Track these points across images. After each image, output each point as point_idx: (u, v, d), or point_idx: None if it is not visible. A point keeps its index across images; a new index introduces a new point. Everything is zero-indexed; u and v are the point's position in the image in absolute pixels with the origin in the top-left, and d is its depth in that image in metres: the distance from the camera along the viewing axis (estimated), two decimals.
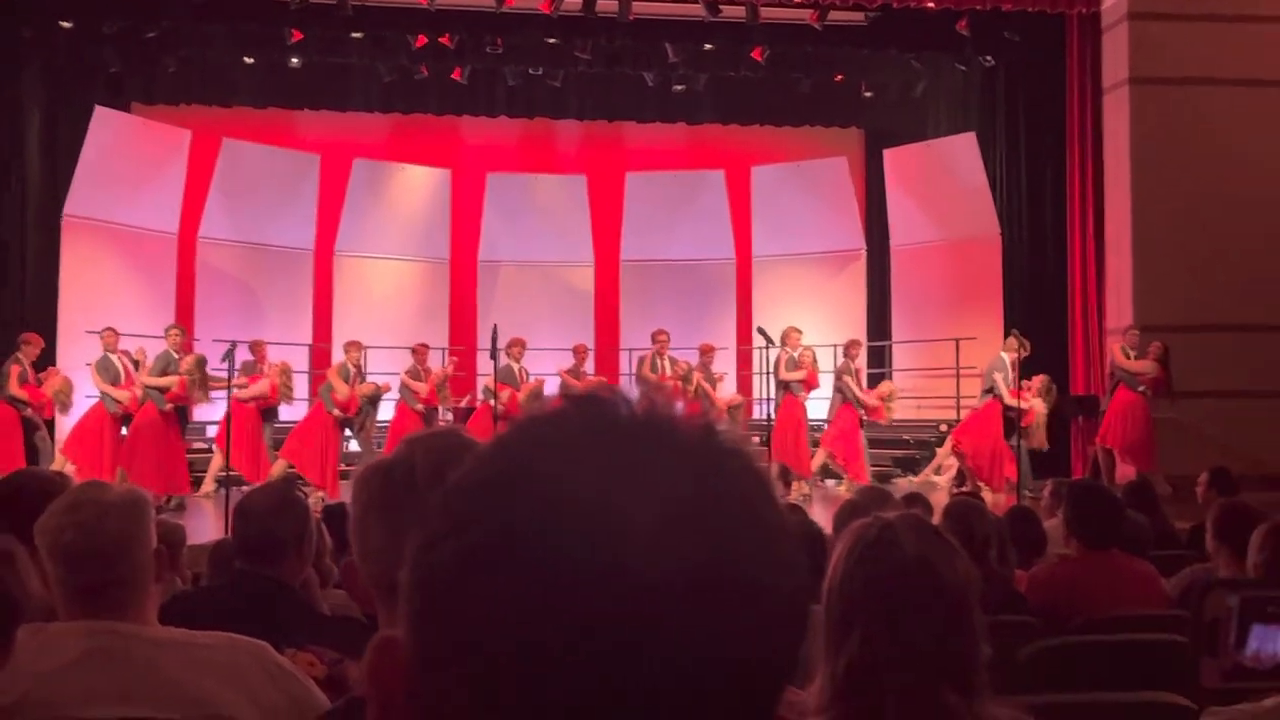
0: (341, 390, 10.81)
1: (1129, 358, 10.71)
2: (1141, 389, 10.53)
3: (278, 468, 10.55)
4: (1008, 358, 10.81)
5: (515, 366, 11.79)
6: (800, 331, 11.56)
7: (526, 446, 0.54)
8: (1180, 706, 2.01)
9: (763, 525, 0.53)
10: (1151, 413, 10.63)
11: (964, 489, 10.07)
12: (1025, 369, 10.70)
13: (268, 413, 10.89)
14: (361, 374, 11.32)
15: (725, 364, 13.35)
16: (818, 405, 12.02)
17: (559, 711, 0.48)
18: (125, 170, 12.51)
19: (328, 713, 1.44)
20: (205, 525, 8.72)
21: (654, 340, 11.94)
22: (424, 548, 0.53)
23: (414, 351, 11.87)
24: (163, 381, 10.03)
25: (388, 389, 11.47)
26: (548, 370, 12.34)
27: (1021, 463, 10.46)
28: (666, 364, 11.86)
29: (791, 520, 0.57)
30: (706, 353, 12.04)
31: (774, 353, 11.01)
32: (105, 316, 10.91)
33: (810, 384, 11.31)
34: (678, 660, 0.49)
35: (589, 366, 12.94)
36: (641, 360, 12.19)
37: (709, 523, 0.51)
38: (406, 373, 11.69)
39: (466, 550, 0.51)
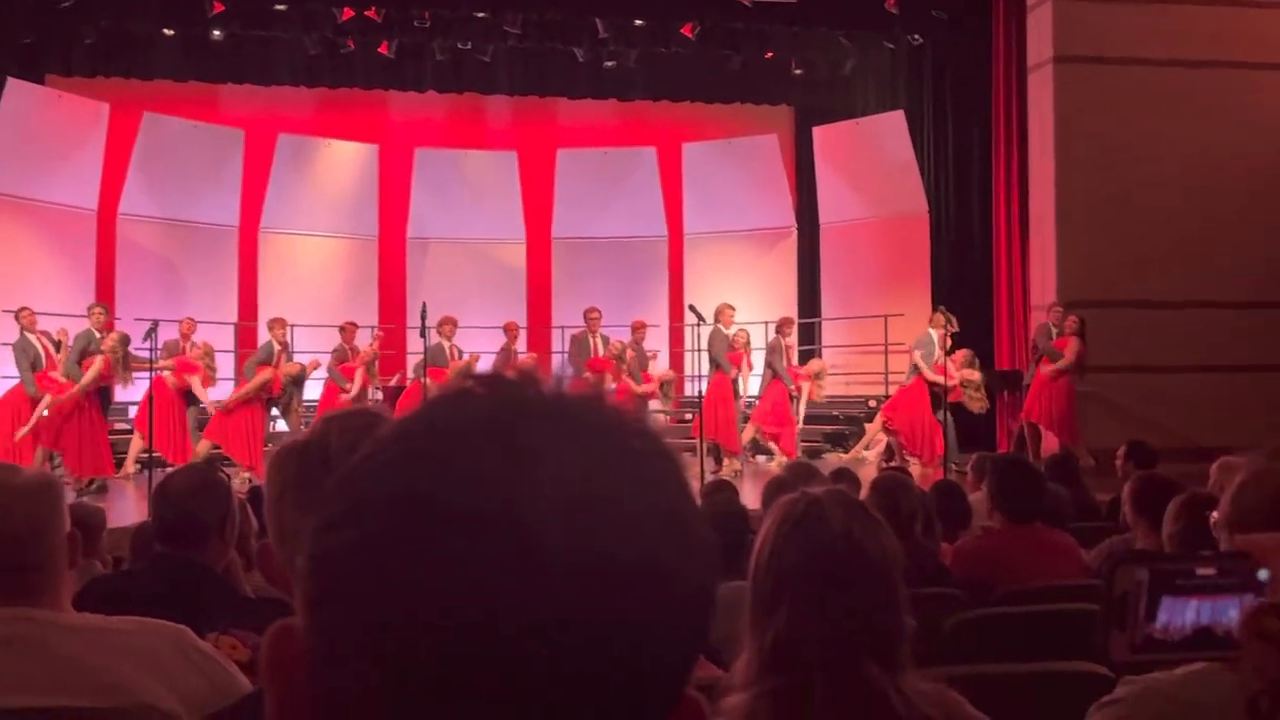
0: (265, 374, 10.67)
1: (1052, 336, 10.89)
2: (1064, 367, 10.71)
3: (202, 448, 10.37)
4: (935, 334, 10.95)
5: (446, 345, 11.70)
6: (733, 308, 11.59)
7: (429, 429, 0.52)
8: (1098, 675, 2.06)
9: (670, 509, 0.52)
10: (1075, 386, 10.82)
11: (892, 464, 10.20)
12: (952, 345, 10.85)
13: (190, 394, 10.69)
14: (288, 352, 11.14)
15: (658, 341, 13.37)
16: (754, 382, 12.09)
17: (462, 698, 0.48)
18: (41, 145, 12.17)
19: (222, 710, 1.40)
20: (127, 508, 8.56)
21: (586, 318, 11.90)
22: (321, 532, 0.52)
23: (341, 330, 11.73)
24: (89, 375, 9.78)
25: (316, 366, 11.32)
26: (481, 348, 12.25)
27: (948, 437, 10.61)
28: (599, 342, 11.84)
29: (706, 502, 0.57)
30: (639, 330, 12.03)
31: (705, 330, 11.04)
32: (22, 296, 10.60)
33: (738, 363, 11.35)
34: (583, 643, 0.48)
35: (521, 344, 12.88)
36: (574, 338, 12.15)
37: (614, 506, 0.50)
38: (334, 353, 11.54)
39: (364, 535, 0.50)
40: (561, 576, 0.48)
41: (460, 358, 11.69)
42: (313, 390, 11.66)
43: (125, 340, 10.05)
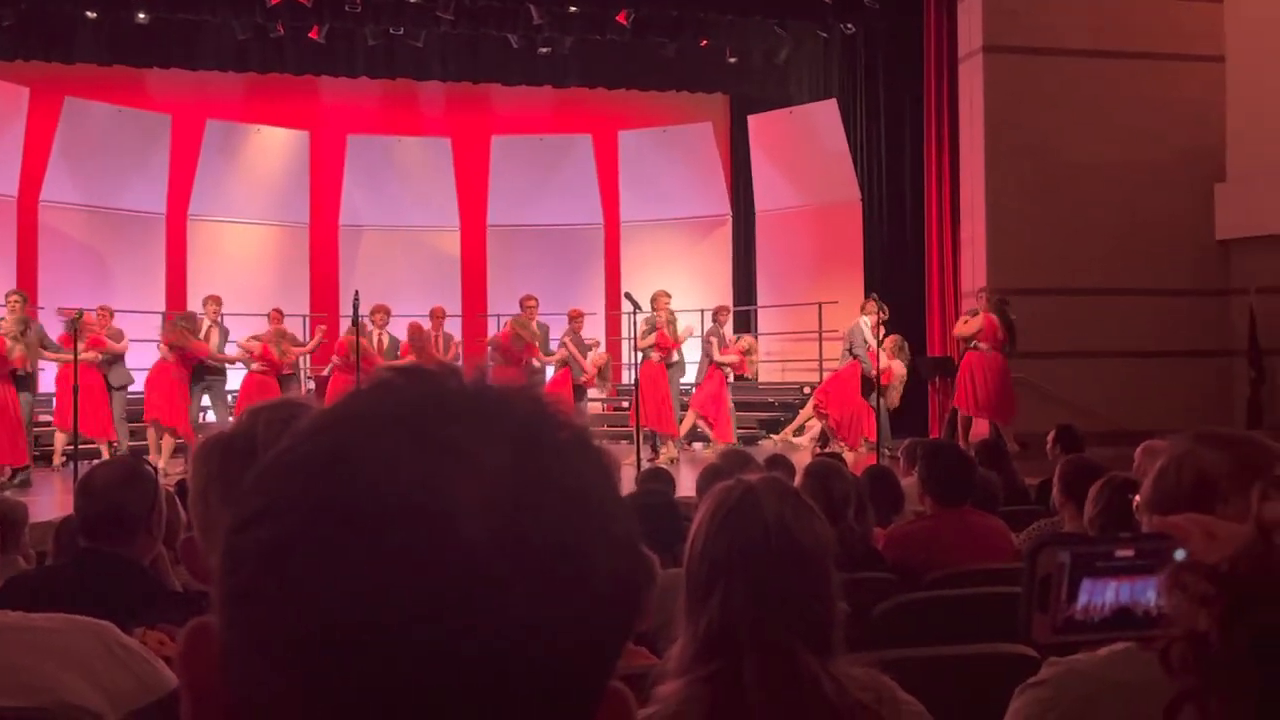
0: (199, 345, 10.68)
1: (967, 322, 11.02)
2: (981, 346, 10.77)
3: (166, 445, 10.36)
4: (868, 320, 11.04)
5: (377, 334, 11.60)
6: (669, 295, 11.59)
7: (346, 423, 0.51)
8: (1025, 657, 2.09)
9: (592, 502, 0.52)
10: (1003, 364, 10.86)
11: (826, 449, 10.29)
12: (884, 331, 10.95)
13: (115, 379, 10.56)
14: (223, 330, 11.11)
15: (594, 330, 13.35)
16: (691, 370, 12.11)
17: (379, 696, 0.47)
18: None
19: (143, 708, 1.38)
20: (53, 501, 8.38)
21: (522, 306, 11.83)
22: (237, 529, 0.50)
23: (269, 318, 11.62)
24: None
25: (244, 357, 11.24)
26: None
27: (881, 422, 10.72)
28: (536, 329, 11.77)
29: (640, 490, 0.56)
30: (576, 318, 11.99)
31: (640, 318, 11.04)
32: None
33: (663, 346, 11.26)
34: (504, 639, 0.48)
35: (457, 331, 12.80)
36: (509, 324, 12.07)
37: (535, 500, 0.50)
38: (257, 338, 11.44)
39: (280, 533, 0.48)
40: (479, 573, 0.47)
41: (384, 345, 11.60)
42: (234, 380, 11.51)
43: (24, 321, 9.82)
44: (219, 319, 11.20)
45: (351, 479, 0.48)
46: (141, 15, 12.97)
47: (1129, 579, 1.03)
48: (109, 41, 13.50)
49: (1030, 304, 11.26)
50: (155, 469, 2.90)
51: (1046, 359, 11.30)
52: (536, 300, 11.83)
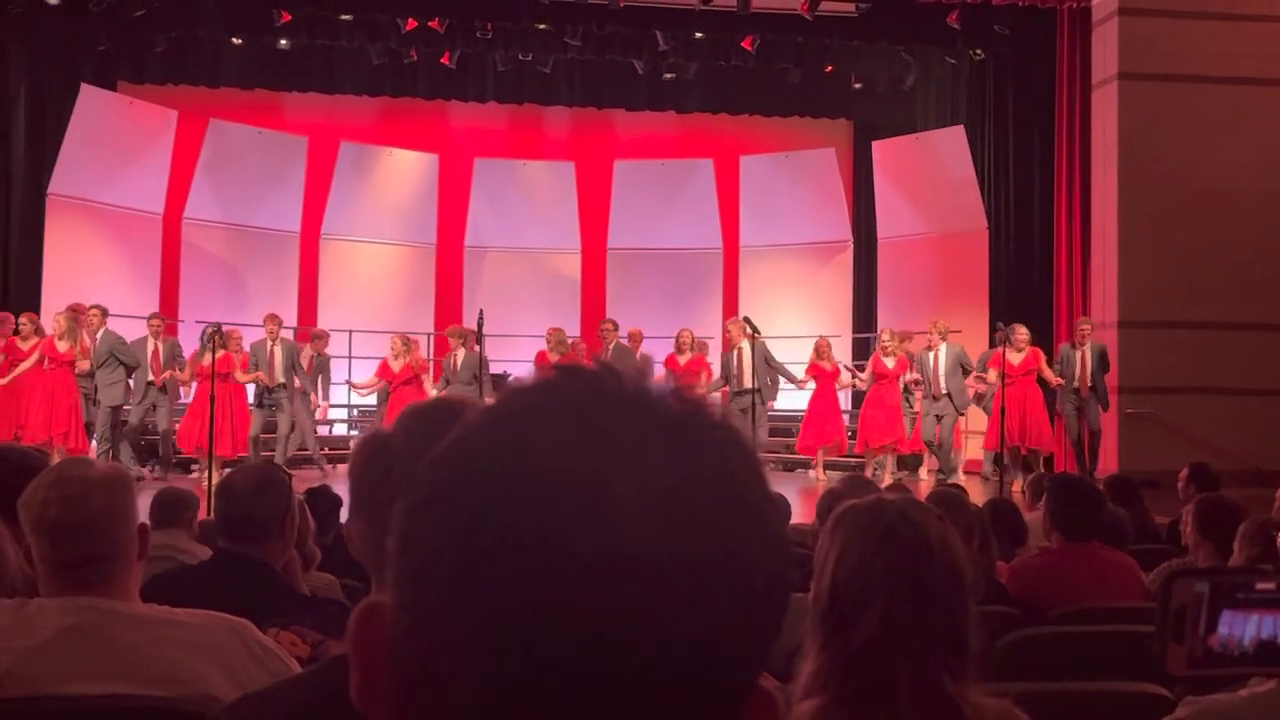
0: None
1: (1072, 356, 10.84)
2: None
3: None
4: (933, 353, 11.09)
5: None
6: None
7: (513, 415, 0.53)
8: (1158, 696, 2.03)
9: (745, 499, 0.53)
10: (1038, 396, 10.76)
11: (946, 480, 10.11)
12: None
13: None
14: (286, 348, 11.11)
15: (711, 354, 13.33)
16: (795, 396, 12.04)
17: (545, 677, 0.49)
18: (111, 149, 12.44)
19: (318, 665, 1.44)
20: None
21: (600, 331, 11.93)
22: (408, 514, 0.53)
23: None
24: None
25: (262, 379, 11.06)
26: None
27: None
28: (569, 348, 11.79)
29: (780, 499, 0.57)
30: (636, 338, 12.12)
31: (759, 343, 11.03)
32: (90, 296, 10.86)
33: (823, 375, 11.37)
34: (663, 629, 0.49)
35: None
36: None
37: (696, 497, 0.51)
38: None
39: (451, 519, 0.51)
40: (643, 562, 0.49)
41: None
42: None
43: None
44: (278, 337, 11.18)
45: (519, 467, 0.51)
46: (283, 41, 13.47)
47: (1272, 613, 1.00)
48: (251, 66, 14.05)
49: (1161, 337, 10.92)
50: (290, 476, 3.00)
51: (1176, 394, 10.93)
52: (615, 324, 11.91)
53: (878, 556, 1.54)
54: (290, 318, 13.66)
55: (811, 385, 11.59)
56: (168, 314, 13.16)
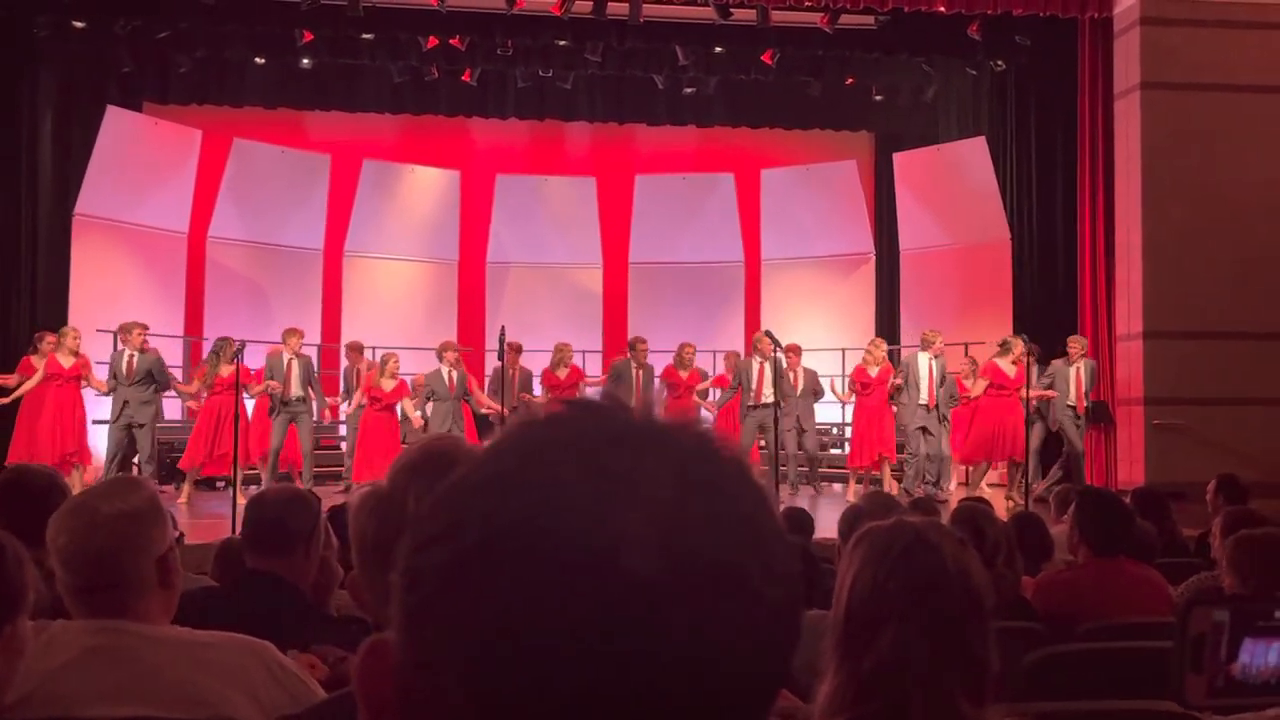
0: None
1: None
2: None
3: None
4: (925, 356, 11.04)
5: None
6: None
7: (520, 450, 0.53)
8: (1183, 716, 2.00)
9: (753, 532, 0.53)
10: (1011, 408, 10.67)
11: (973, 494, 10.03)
12: (1038, 371, 10.73)
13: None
14: (303, 363, 10.97)
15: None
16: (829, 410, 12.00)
17: (546, 713, 0.48)
18: (137, 169, 12.56)
19: (320, 703, 1.44)
20: (207, 524, 8.73)
21: (634, 348, 11.74)
22: (416, 550, 0.53)
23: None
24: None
25: (277, 388, 10.82)
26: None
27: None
28: (643, 374, 11.70)
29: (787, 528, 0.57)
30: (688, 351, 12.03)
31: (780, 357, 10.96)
32: (116, 315, 10.92)
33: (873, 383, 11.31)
34: (670, 663, 0.49)
35: (596, 366, 12.91)
36: (613, 365, 12.03)
37: (698, 529, 0.51)
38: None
39: (458, 553, 0.51)
40: (650, 598, 0.49)
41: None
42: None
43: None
44: (299, 351, 11.04)
45: (523, 504, 0.51)
46: (305, 61, 13.58)
47: None
48: (274, 85, 14.17)
49: (1188, 348, 10.84)
50: (319, 500, 3.01)
51: (1204, 405, 10.84)
52: (647, 343, 11.77)
53: (891, 579, 1.54)
54: (314, 334, 13.73)
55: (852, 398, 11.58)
56: (193, 332, 13.30)
